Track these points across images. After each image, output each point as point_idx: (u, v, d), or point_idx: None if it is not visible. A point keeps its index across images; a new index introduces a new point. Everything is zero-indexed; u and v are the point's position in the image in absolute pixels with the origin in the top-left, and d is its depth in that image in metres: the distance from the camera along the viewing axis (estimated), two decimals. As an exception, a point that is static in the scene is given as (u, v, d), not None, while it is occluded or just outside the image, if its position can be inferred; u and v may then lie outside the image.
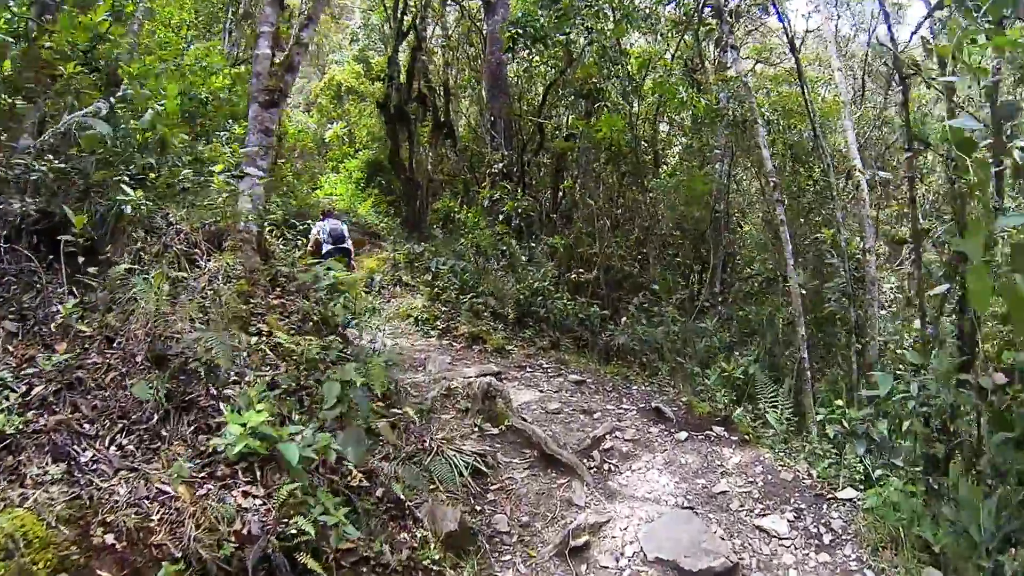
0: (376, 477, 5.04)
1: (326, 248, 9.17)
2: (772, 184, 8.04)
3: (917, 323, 5.32)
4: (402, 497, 5.06)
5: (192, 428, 4.36)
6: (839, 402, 5.53)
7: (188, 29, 12.01)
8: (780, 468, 5.46)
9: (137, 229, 6.17)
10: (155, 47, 10.82)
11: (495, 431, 6.37)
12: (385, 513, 4.84)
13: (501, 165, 13.58)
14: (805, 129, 10.88)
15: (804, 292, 8.24)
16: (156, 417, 4.26)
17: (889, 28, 6.17)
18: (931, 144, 4.62)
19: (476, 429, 6.38)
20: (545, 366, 8.59)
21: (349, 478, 4.90)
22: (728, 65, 11.69)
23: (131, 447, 4.00)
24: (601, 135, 9.77)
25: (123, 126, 6.42)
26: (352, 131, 19.28)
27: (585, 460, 5.89)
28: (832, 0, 14.61)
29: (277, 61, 7.38)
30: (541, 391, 7.61)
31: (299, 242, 8.54)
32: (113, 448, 3.94)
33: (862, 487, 5.09)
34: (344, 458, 4.55)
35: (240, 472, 4.06)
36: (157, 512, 3.48)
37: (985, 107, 4.25)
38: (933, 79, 4.92)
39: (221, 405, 4.59)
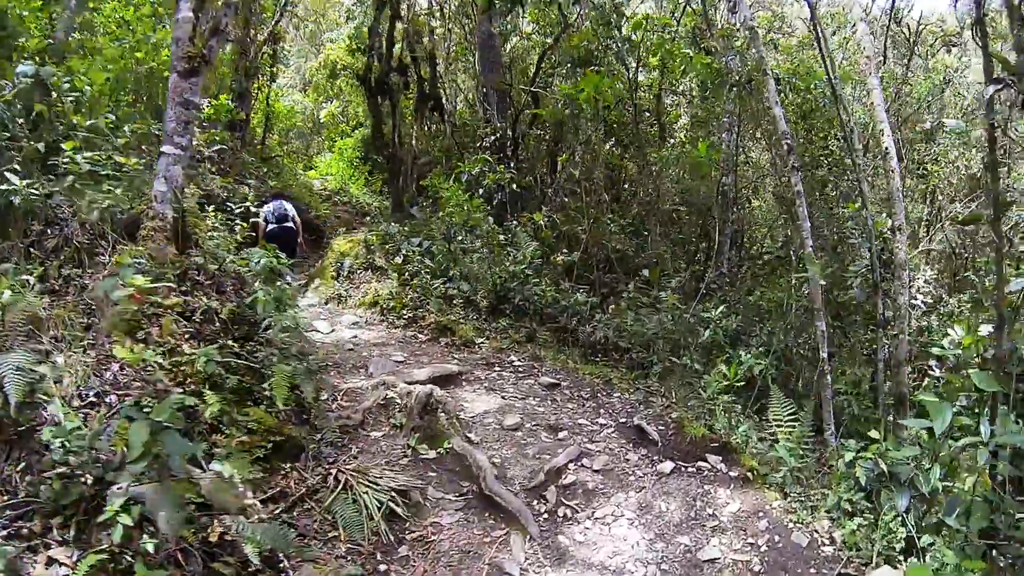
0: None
1: (269, 228, 7.90)
2: (786, 148, 6.25)
3: (985, 329, 3.60)
4: (280, 557, 3.65)
5: (21, 467, 3.26)
6: (873, 433, 3.80)
7: (153, 6, 10.40)
8: (792, 525, 3.78)
9: (34, 221, 4.98)
10: (113, 26, 9.38)
11: (432, 454, 4.83)
12: (257, 576, 3.47)
13: (493, 138, 11.95)
14: (820, 95, 9.03)
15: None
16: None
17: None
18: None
19: (409, 451, 4.84)
20: (516, 363, 6.97)
21: (207, 533, 3.52)
22: (734, 22, 9.82)
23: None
24: (584, 96, 8.00)
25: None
26: (347, 109, 17.69)
27: (535, 502, 4.29)
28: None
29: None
30: (504, 397, 6.01)
31: (238, 226, 7.04)
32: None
33: (902, 558, 3.41)
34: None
35: (56, 528, 3.09)
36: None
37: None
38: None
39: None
